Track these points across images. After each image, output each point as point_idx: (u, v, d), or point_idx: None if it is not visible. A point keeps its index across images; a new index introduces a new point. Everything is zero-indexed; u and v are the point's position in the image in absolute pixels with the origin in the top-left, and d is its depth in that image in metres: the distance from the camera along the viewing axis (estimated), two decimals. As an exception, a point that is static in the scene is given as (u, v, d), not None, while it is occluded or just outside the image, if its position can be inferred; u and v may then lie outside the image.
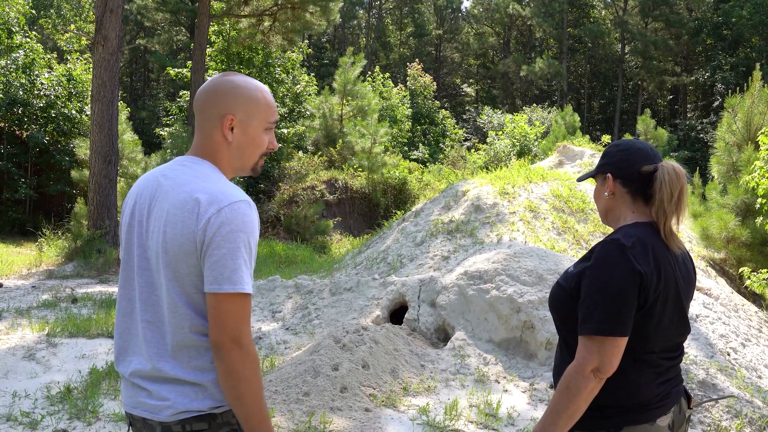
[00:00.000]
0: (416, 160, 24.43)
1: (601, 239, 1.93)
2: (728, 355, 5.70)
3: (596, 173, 2.06)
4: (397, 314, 6.74)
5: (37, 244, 12.49)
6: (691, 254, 9.02)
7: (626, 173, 1.97)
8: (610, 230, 5.71)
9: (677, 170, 1.90)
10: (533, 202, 8.79)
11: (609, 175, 2.00)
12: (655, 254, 1.84)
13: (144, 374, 1.74)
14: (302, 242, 14.67)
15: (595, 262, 1.84)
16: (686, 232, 9.90)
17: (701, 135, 34.56)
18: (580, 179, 2.18)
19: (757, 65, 9.75)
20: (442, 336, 6.28)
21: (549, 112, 30.00)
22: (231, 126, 1.77)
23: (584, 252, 2.13)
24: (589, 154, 13.22)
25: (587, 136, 18.50)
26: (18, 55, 16.98)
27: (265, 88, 1.85)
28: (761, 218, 8.12)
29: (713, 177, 9.93)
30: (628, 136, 15.10)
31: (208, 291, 1.64)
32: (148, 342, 1.74)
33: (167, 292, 1.70)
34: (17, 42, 17.41)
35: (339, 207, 17.11)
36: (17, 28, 17.55)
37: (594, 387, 1.77)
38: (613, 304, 1.77)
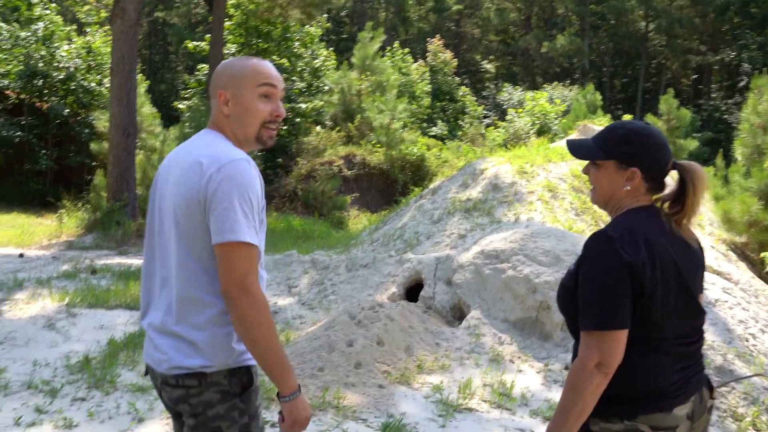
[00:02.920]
0: (435, 137, 24.27)
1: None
2: (747, 341, 5.64)
3: (609, 159, 1.89)
4: (412, 291, 6.74)
5: (57, 215, 12.63)
6: (712, 237, 8.94)
7: (657, 173, 1.90)
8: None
9: (704, 173, 1.89)
10: (552, 181, 8.70)
11: (637, 170, 1.87)
12: (647, 241, 1.78)
13: (155, 326, 1.90)
14: (319, 217, 14.71)
15: (583, 258, 1.82)
16: (707, 215, 9.77)
17: (725, 116, 33.94)
18: (582, 155, 1.93)
19: (787, 45, 9.52)
20: (457, 314, 6.27)
21: (570, 90, 29.59)
22: (226, 101, 1.92)
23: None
24: (610, 133, 13.03)
25: (609, 116, 18.26)
26: (38, 27, 17.01)
27: (259, 60, 1.98)
28: (785, 202, 7.99)
29: (737, 159, 9.78)
30: (649, 117, 14.84)
31: (214, 243, 1.75)
32: (161, 297, 1.91)
33: (176, 248, 1.84)
34: (37, 14, 17.43)
35: (356, 183, 17.09)
36: (36, 0, 17.56)
37: (599, 382, 1.74)
38: (605, 297, 1.74)
